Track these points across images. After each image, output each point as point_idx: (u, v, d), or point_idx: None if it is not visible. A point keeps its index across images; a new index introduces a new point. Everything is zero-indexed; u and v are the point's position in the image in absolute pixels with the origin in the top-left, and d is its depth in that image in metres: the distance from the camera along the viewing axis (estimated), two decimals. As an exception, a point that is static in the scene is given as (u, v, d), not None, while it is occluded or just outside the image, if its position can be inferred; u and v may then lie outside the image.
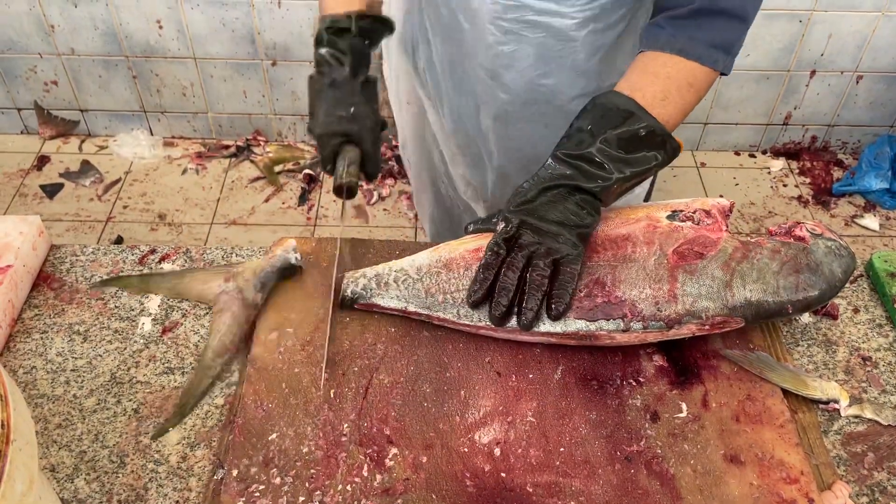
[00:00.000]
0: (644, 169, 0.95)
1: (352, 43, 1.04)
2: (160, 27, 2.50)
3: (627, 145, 0.94)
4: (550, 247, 0.91)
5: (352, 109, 1.02)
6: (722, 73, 1.01)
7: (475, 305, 0.92)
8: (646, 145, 0.95)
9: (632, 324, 0.90)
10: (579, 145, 0.94)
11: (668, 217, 0.98)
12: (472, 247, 0.98)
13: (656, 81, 0.97)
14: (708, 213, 0.98)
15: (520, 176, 1.10)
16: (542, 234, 0.92)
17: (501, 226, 0.94)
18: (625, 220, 0.99)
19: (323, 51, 1.04)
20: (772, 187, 2.77)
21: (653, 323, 0.90)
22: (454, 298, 0.94)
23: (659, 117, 0.95)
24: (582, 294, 0.91)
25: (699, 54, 0.98)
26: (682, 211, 0.98)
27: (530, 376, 0.93)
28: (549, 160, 0.96)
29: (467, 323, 0.93)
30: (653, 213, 0.99)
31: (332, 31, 1.05)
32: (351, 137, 1.01)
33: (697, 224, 0.97)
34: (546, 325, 0.91)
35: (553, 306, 0.90)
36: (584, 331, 0.91)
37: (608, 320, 0.90)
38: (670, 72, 0.98)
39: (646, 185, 1.42)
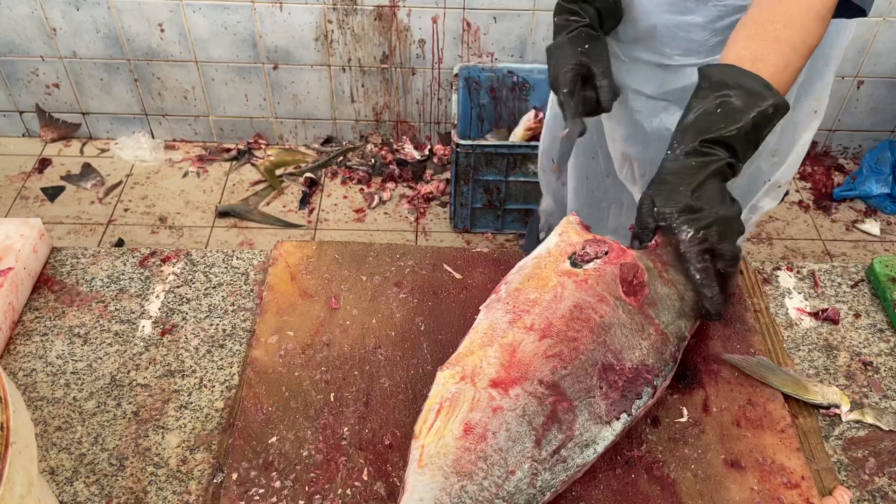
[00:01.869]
0: (763, 139, 0.94)
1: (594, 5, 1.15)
2: (162, 30, 2.50)
3: (756, 125, 0.91)
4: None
5: (587, 46, 1.12)
6: (860, 12, 0.97)
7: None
8: (771, 119, 0.93)
9: (655, 382, 0.87)
10: (718, 130, 0.90)
11: (573, 265, 0.92)
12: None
13: (778, 48, 0.94)
14: (592, 241, 0.94)
15: None
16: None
17: (689, 234, 0.88)
18: (542, 288, 0.90)
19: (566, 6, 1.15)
20: (773, 192, 2.77)
21: (665, 368, 0.88)
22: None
23: (781, 88, 0.93)
24: (605, 389, 0.84)
25: None
26: (575, 254, 0.93)
27: (531, 380, 0.92)
28: (688, 149, 0.92)
29: None
30: (556, 268, 0.92)
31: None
32: (586, 64, 1.11)
33: (605, 255, 0.92)
34: (602, 442, 0.83)
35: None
36: (629, 423, 0.85)
37: (640, 397, 0.86)
38: (791, 34, 0.94)
39: None
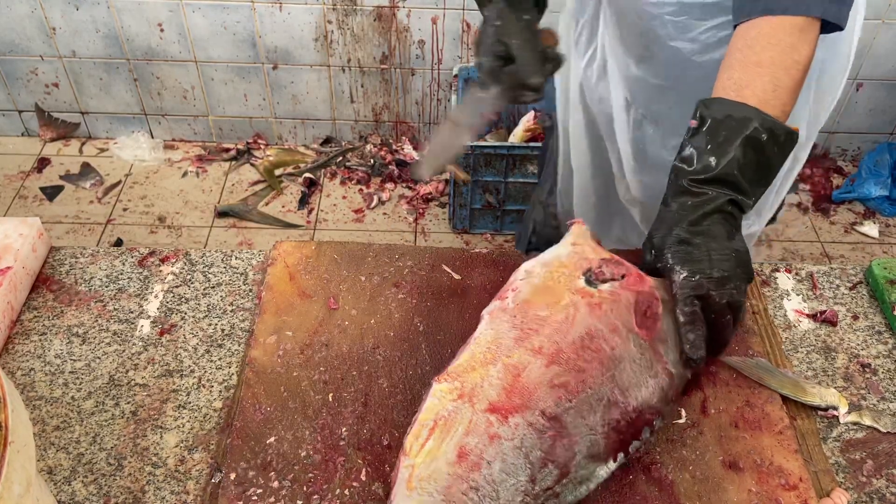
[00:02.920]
0: (775, 171, 0.89)
1: None
2: (161, 30, 2.50)
3: (748, 152, 0.86)
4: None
5: (514, 41, 1.04)
6: (836, 27, 0.91)
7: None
8: (769, 146, 0.87)
9: (655, 422, 0.85)
10: (706, 169, 0.86)
11: (588, 283, 0.87)
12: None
13: (762, 72, 0.89)
14: (610, 262, 0.89)
15: None
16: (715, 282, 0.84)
17: (683, 276, 0.84)
18: (553, 305, 0.85)
19: None
20: (771, 194, 2.77)
21: (666, 409, 0.86)
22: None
23: (774, 111, 0.87)
24: (607, 428, 0.80)
25: (808, 4, 0.88)
26: (591, 271, 0.88)
27: (529, 381, 0.92)
28: (677, 191, 0.88)
29: None
30: (570, 284, 0.87)
31: None
32: (508, 54, 1.04)
33: (622, 279, 0.88)
34: (596, 480, 0.81)
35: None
36: (624, 462, 0.83)
37: (638, 438, 0.83)
38: (773, 56, 0.89)
39: None
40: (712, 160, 0.86)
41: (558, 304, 0.85)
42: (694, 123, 0.89)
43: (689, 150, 0.88)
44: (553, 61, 1.08)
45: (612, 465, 0.81)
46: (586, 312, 0.84)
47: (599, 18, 1.30)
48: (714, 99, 0.90)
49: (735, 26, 0.94)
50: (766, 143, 0.86)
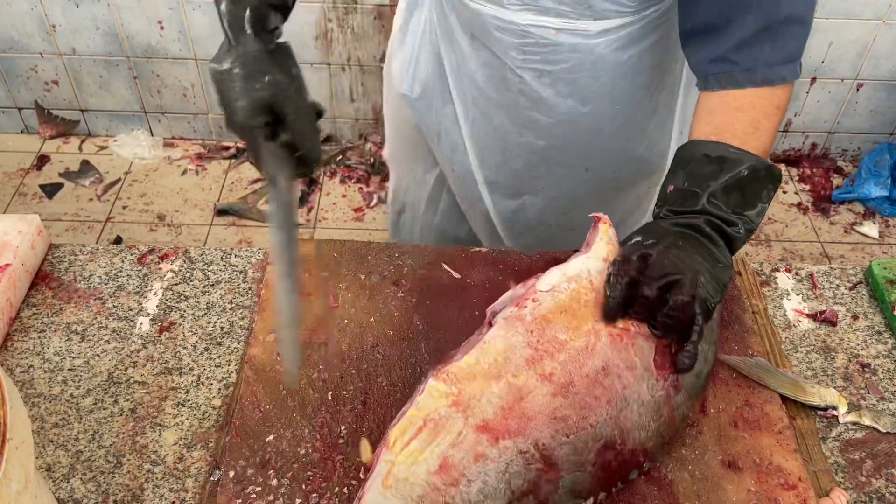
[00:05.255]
0: (761, 209, 0.88)
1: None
2: (161, 28, 2.50)
3: (736, 191, 0.86)
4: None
5: (266, 78, 0.83)
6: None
7: None
8: (751, 183, 0.87)
9: (645, 465, 0.82)
10: (691, 204, 0.86)
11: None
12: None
13: (741, 115, 0.90)
14: None
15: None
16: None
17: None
18: (575, 330, 0.80)
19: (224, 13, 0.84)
20: (771, 194, 2.77)
21: (659, 452, 0.84)
22: None
23: (755, 150, 0.88)
24: (597, 467, 0.77)
25: (783, 75, 0.91)
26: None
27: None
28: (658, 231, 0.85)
29: None
30: (595, 309, 0.82)
31: None
32: (274, 112, 0.83)
33: None
34: None
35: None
36: (603, 499, 0.80)
37: (624, 480, 0.80)
38: (754, 100, 0.91)
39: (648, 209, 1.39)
40: (693, 198, 0.86)
41: (580, 329, 0.80)
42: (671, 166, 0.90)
43: (670, 190, 0.89)
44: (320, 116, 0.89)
45: (590, 502, 0.78)
46: (606, 343, 0.79)
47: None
48: (692, 143, 0.90)
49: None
50: (747, 179, 0.86)
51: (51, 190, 2.61)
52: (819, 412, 0.93)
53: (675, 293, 0.78)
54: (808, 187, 2.80)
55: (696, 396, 0.87)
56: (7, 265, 0.98)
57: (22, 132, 2.80)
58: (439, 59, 1.20)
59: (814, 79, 2.66)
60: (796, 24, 0.91)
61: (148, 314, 1.01)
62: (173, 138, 2.82)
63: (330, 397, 0.90)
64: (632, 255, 0.81)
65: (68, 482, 0.83)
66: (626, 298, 0.80)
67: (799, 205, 2.73)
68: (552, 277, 0.83)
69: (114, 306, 1.01)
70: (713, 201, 0.85)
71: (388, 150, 1.52)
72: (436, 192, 1.47)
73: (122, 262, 1.08)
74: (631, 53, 1.07)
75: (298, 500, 0.80)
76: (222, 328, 1.00)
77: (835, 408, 0.92)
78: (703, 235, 0.84)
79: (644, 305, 0.80)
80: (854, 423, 0.92)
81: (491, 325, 0.83)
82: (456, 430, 0.74)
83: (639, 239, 0.84)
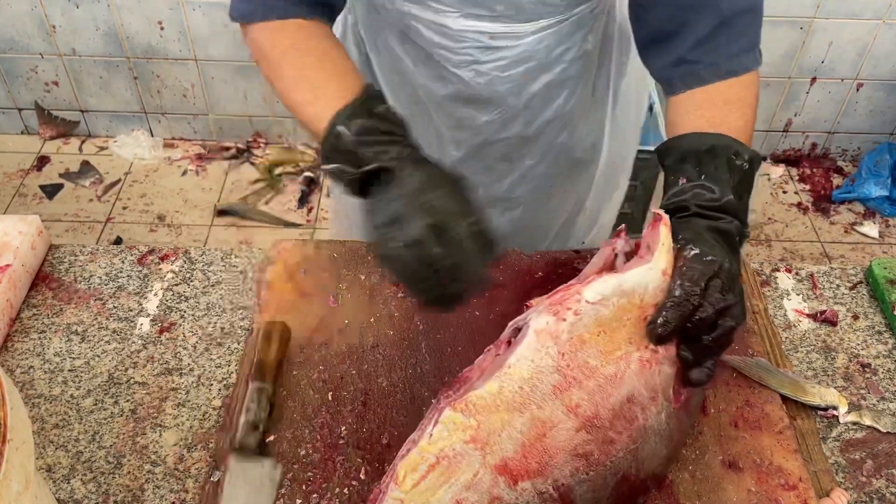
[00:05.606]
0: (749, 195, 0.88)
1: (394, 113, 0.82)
2: (161, 28, 2.50)
3: (740, 182, 0.85)
4: None
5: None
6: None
7: None
8: (750, 173, 0.87)
9: (651, 490, 0.79)
10: (712, 199, 0.83)
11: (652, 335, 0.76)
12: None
13: (732, 108, 0.91)
14: None
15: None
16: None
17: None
18: (607, 355, 0.73)
19: (364, 134, 0.79)
20: (771, 194, 2.77)
21: (663, 471, 0.81)
22: None
23: (748, 141, 0.89)
24: (612, 499, 0.74)
25: (745, 65, 0.93)
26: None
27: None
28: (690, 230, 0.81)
29: None
30: (631, 334, 0.75)
31: (367, 110, 0.81)
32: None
33: None
34: None
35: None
36: None
37: None
38: (739, 93, 0.92)
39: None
40: (713, 194, 0.83)
41: (612, 354, 0.73)
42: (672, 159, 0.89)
43: (682, 182, 0.86)
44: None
45: None
46: (635, 370, 0.74)
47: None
48: (692, 134, 0.89)
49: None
50: (748, 171, 0.86)
51: (51, 190, 2.61)
52: (819, 412, 0.93)
53: (728, 320, 0.75)
54: (808, 187, 2.80)
55: (696, 412, 0.86)
56: (7, 266, 0.98)
57: (22, 133, 2.81)
58: (366, 59, 1.21)
59: (814, 79, 2.66)
60: (749, 15, 0.93)
61: (148, 315, 1.01)
62: (173, 139, 2.82)
63: (330, 398, 0.90)
64: (699, 280, 0.74)
65: (69, 483, 0.83)
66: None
67: (799, 205, 2.73)
68: (604, 287, 0.74)
69: (114, 307, 1.01)
70: (732, 200, 0.83)
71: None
72: None
73: (123, 262, 1.08)
74: (562, 49, 1.08)
75: (299, 501, 0.80)
76: (222, 329, 1.00)
77: (835, 408, 0.92)
78: (733, 244, 0.82)
79: (695, 327, 0.75)
80: (854, 423, 0.92)
81: (510, 342, 0.76)
82: (472, 471, 0.69)
83: (697, 252, 0.76)
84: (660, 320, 0.74)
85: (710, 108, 0.92)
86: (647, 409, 0.74)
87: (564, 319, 0.72)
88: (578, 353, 0.72)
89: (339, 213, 1.54)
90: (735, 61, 0.93)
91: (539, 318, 0.73)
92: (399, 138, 0.81)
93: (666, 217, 0.78)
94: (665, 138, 0.93)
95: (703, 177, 0.84)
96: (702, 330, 0.75)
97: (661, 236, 0.76)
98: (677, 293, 0.74)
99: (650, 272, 0.75)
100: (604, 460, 0.72)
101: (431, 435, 0.69)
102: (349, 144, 0.79)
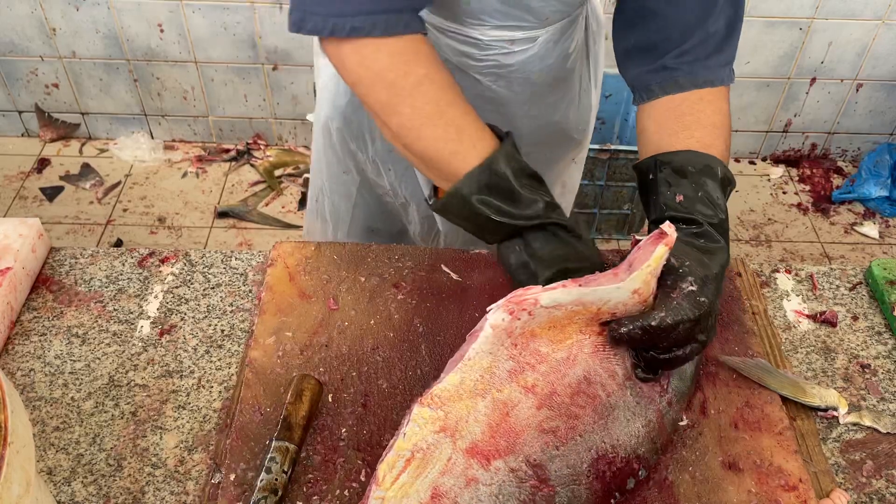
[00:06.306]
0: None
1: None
2: (161, 31, 2.50)
3: (724, 201, 0.92)
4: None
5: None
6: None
7: None
8: (727, 194, 0.94)
9: (640, 473, 0.81)
10: (709, 217, 0.89)
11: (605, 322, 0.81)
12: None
13: (716, 132, 0.96)
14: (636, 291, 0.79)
15: None
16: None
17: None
18: (557, 344, 0.79)
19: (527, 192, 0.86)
20: (771, 194, 2.77)
21: (652, 458, 0.83)
22: None
23: (727, 164, 0.95)
24: (591, 478, 0.76)
25: (722, 77, 0.98)
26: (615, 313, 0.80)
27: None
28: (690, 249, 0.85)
29: None
30: (582, 327, 0.80)
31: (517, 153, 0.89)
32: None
33: None
34: None
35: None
36: None
37: (620, 490, 0.79)
38: (716, 119, 0.96)
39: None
40: (707, 208, 0.89)
41: (563, 342, 0.79)
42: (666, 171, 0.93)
43: (679, 199, 0.90)
44: None
45: None
46: (589, 353, 0.79)
47: None
48: (688, 152, 0.93)
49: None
50: (729, 191, 0.93)
51: (51, 193, 2.61)
52: (819, 413, 0.93)
53: (693, 351, 0.81)
54: (808, 187, 2.80)
55: (683, 399, 0.87)
56: (8, 269, 0.98)
57: (22, 135, 2.81)
58: None
59: (814, 79, 2.66)
60: (730, 34, 0.98)
61: (148, 317, 1.01)
62: (173, 141, 2.83)
63: (330, 399, 0.90)
64: (683, 320, 0.77)
65: (69, 486, 0.83)
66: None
67: (799, 205, 2.73)
68: (563, 296, 0.77)
69: (114, 309, 1.01)
70: (725, 221, 0.90)
71: (314, 147, 1.45)
72: (357, 193, 1.42)
73: (123, 265, 1.08)
74: (566, 45, 1.13)
75: (299, 503, 0.80)
76: (223, 331, 1.00)
77: (835, 408, 0.92)
78: (720, 273, 0.86)
79: (653, 347, 0.80)
80: (854, 424, 0.93)
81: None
82: (445, 457, 0.72)
83: (693, 290, 0.78)
84: (623, 330, 0.78)
85: (700, 130, 0.96)
86: (606, 385, 0.79)
87: (519, 319, 0.77)
88: (530, 343, 0.78)
89: (315, 213, 1.51)
90: (713, 73, 0.97)
91: (495, 315, 0.77)
92: (543, 188, 0.89)
93: (672, 238, 0.78)
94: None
95: (699, 194, 0.90)
96: (660, 350, 0.80)
97: (652, 258, 0.77)
98: (654, 323, 0.77)
99: (617, 291, 0.77)
100: (572, 434, 0.76)
101: (405, 434, 0.74)
102: (509, 183, 0.86)
